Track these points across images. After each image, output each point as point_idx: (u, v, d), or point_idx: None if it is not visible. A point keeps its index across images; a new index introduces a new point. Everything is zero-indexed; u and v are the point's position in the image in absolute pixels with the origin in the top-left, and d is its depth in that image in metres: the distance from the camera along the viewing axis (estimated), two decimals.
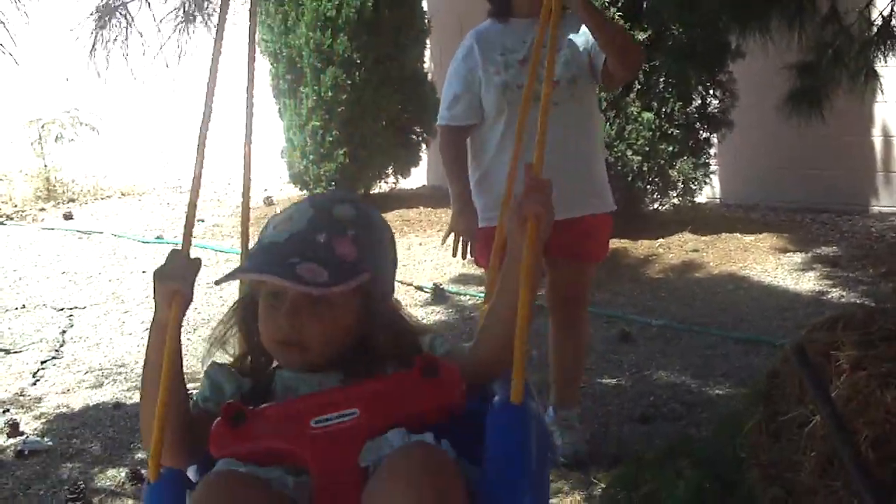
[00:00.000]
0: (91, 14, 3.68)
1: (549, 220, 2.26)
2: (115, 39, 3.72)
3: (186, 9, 3.65)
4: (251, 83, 2.89)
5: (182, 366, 2.35)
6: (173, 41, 3.60)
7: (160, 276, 2.34)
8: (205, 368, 2.44)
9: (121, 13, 3.69)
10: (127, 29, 3.72)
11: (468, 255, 4.76)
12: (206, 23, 3.73)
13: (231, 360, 2.49)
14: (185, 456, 2.31)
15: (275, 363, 2.44)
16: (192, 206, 2.56)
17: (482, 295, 6.24)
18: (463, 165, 4.74)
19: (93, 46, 3.74)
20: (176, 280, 2.32)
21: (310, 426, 2.18)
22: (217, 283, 2.41)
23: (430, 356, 2.27)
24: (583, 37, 4.56)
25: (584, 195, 4.65)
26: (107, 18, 3.62)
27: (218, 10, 2.91)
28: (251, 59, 2.87)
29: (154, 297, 2.36)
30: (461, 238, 4.69)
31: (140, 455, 5.29)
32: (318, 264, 2.24)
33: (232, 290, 7.47)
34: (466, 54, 4.68)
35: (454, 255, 4.76)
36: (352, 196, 2.48)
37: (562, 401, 4.98)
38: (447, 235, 4.75)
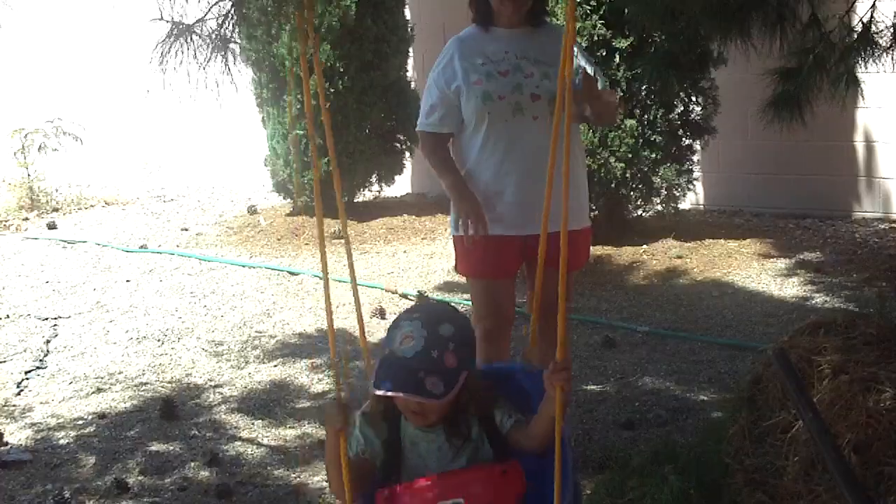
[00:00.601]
0: (167, 35, 3.69)
1: (570, 390, 3.21)
2: (181, 60, 3.75)
3: (224, 31, 3.67)
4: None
5: (352, 470, 3.22)
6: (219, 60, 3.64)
7: (328, 421, 3.28)
8: (356, 419, 3.37)
9: (188, 34, 3.71)
10: (194, 48, 3.73)
11: (480, 232, 4.67)
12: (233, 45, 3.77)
13: (369, 409, 3.39)
14: (357, 494, 3.26)
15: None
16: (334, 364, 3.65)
17: (466, 302, 6.23)
18: (449, 160, 4.76)
19: (163, 68, 3.77)
20: (338, 423, 3.23)
21: None
22: (376, 394, 3.21)
23: (504, 465, 3.26)
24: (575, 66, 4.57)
25: (576, 209, 4.64)
26: (175, 37, 3.65)
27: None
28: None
29: (326, 434, 3.33)
30: (470, 220, 4.63)
31: (124, 464, 5.29)
32: (437, 377, 3.14)
33: (217, 300, 7.43)
34: (446, 64, 4.71)
35: (465, 233, 4.65)
36: (449, 315, 3.33)
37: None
38: (458, 221, 4.67)
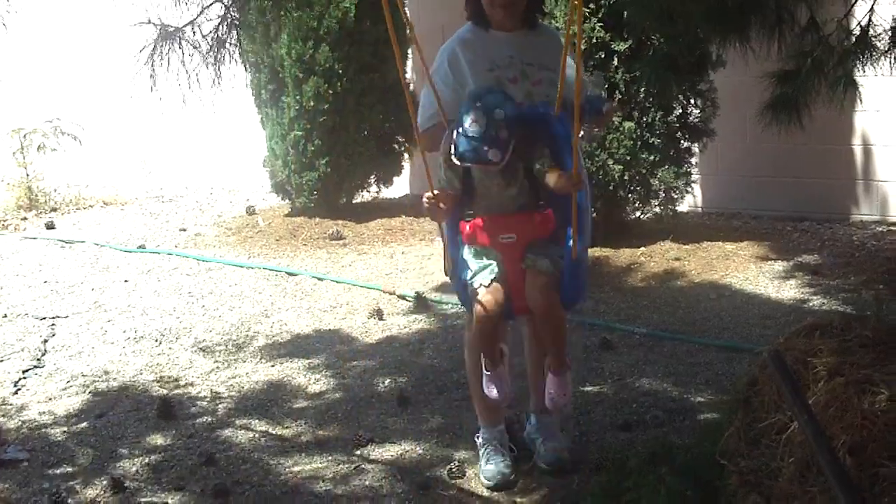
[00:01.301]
0: (150, 41, 3.69)
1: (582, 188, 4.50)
2: (169, 63, 3.75)
3: (220, 34, 3.67)
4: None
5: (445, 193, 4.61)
6: (207, 66, 3.63)
7: (429, 211, 4.72)
8: (440, 166, 4.62)
9: (177, 37, 3.70)
10: (182, 52, 3.73)
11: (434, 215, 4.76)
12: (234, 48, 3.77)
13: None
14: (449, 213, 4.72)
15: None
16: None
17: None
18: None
19: (152, 71, 3.76)
20: (439, 213, 4.72)
21: (499, 238, 4.61)
22: (455, 163, 4.50)
23: (540, 214, 4.64)
24: (569, 70, 4.59)
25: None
26: (163, 42, 3.64)
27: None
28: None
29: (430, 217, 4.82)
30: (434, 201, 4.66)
31: (121, 463, 5.29)
32: (496, 148, 4.37)
33: (215, 300, 7.43)
34: (452, 55, 4.73)
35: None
36: (501, 101, 4.42)
37: (541, 408, 4.97)
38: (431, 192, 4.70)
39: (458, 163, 4.45)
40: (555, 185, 4.51)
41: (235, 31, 3.74)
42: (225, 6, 3.73)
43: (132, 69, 3.93)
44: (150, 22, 3.59)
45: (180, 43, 3.64)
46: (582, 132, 4.66)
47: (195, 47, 3.71)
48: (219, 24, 3.66)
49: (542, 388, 4.88)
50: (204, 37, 3.69)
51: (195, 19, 3.63)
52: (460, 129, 4.40)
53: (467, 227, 4.66)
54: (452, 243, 4.80)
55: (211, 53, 3.71)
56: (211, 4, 3.68)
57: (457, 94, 4.66)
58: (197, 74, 3.76)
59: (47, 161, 12.11)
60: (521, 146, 4.49)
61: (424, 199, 4.65)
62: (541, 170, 4.54)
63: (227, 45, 3.73)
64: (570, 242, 4.57)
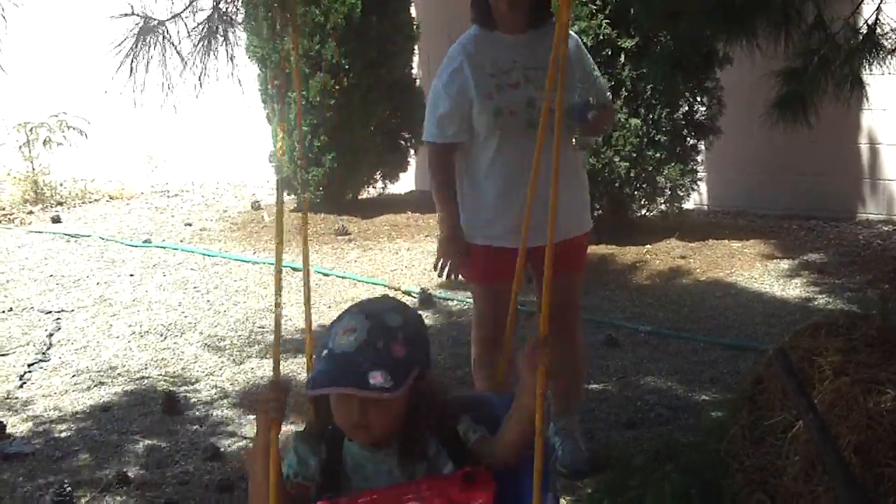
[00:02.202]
0: (129, 33, 3.64)
1: (553, 367, 2.94)
2: (149, 59, 3.69)
3: (211, 26, 3.62)
4: None
5: (282, 481, 2.86)
6: (199, 60, 3.58)
7: (262, 409, 2.90)
8: (291, 444, 2.97)
9: (158, 32, 3.64)
10: (164, 48, 3.67)
11: (453, 278, 4.76)
12: (227, 40, 3.70)
13: (305, 424, 3.03)
14: None
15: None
16: (277, 339, 3.15)
17: (469, 300, 6.23)
18: (452, 188, 4.70)
19: (132, 68, 3.70)
20: (275, 411, 2.87)
21: None
22: (309, 394, 2.87)
23: (468, 471, 2.83)
24: (578, 71, 4.57)
25: (573, 217, 4.66)
26: (145, 38, 3.59)
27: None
28: None
29: (256, 423, 2.96)
30: (449, 263, 4.68)
31: (126, 458, 5.30)
32: (384, 370, 2.76)
33: (220, 295, 7.43)
34: (456, 70, 4.61)
35: (440, 276, 4.76)
36: (395, 304, 3.04)
37: (562, 403, 4.98)
38: (438, 261, 4.73)
39: (312, 393, 2.84)
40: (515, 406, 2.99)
41: (224, 26, 3.68)
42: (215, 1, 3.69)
43: (112, 64, 3.89)
44: (133, 13, 3.54)
45: (163, 38, 3.58)
46: (574, 139, 4.62)
47: (173, 45, 3.66)
48: (209, 16, 3.60)
49: (561, 384, 4.89)
50: (188, 35, 3.63)
51: (181, 13, 3.58)
52: (324, 351, 2.89)
53: None
54: None
55: (198, 50, 3.65)
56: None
57: (457, 104, 4.58)
58: (181, 73, 3.71)
59: (53, 155, 12.11)
60: (436, 413, 2.92)
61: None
62: (470, 436, 2.95)
63: (218, 38, 3.67)
64: None
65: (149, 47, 3.60)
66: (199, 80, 3.65)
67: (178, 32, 3.77)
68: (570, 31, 4.83)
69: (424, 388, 2.89)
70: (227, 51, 3.67)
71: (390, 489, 2.83)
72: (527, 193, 4.46)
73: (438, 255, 4.72)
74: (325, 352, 2.87)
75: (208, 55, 3.72)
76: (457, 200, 4.70)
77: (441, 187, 4.71)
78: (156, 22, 3.56)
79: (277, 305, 3.16)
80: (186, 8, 3.64)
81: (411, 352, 2.85)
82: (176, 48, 3.54)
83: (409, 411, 2.87)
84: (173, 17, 3.60)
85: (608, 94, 4.99)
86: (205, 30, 3.56)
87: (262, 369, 6.43)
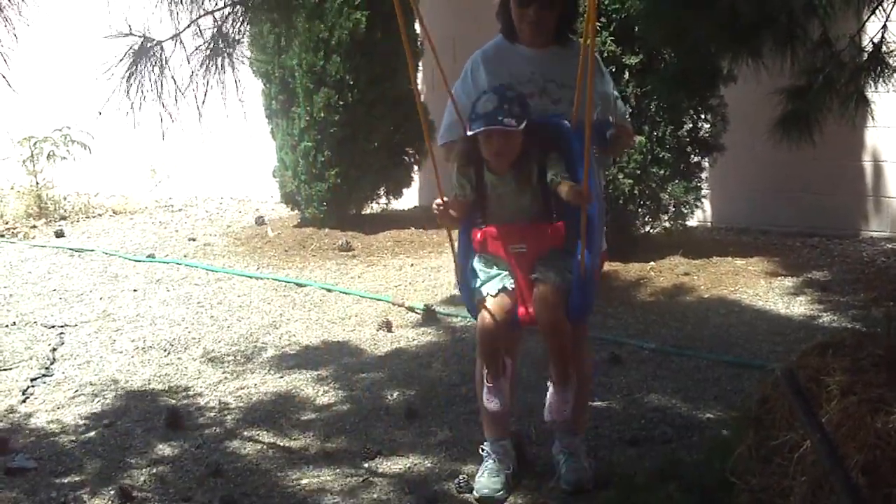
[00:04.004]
0: (125, 54, 3.64)
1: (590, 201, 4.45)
2: (142, 84, 3.69)
3: (214, 46, 3.62)
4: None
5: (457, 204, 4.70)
6: (201, 78, 3.57)
7: (441, 221, 4.83)
8: (455, 169, 4.67)
9: (154, 54, 3.64)
10: (161, 69, 3.67)
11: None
12: (229, 61, 3.71)
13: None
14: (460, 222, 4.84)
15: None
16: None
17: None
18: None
19: (127, 89, 3.71)
20: (449, 223, 4.85)
21: (509, 248, 4.65)
22: (471, 133, 4.54)
23: (551, 226, 4.67)
24: (597, 91, 4.60)
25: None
26: (140, 60, 3.59)
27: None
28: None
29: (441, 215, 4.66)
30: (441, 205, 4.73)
31: (129, 473, 5.29)
32: (511, 117, 4.44)
33: (223, 310, 7.41)
34: (474, 74, 4.74)
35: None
36: (512, 87, 4.55)
37: (566, 429, 4.97)
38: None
39: (471, 133, 4.49)
40: (565, 197, 4.51)
41: (228, 46, 3.68)
42: (216, 20, 3.68)
43: (109, 85, 3.90)
44: (131, 32, 3.54)
45: (160, 59, 3.58)
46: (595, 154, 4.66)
47: (170, 68, 3.66)
48: (212, 35, 3.61)
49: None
50: (188, 60, 3.63)
51: (180, 33, 3.58)
52: (472, 115, 4.50)
53: (478, 236, 4.70)
54: (462, 252, 4.83)
55: (200, 70, 3.65)
56: (199, 18, 3.63)
57: (468, 106, 4.66)
58: (176, 99, 3.71)
59: (57, 169, 12.13)
60: (536, 151, 4.56)
61: (434, 206, 4.69)
62: (554, 180, 4.53)
63: (222, 56, 3.67)
64: (580, 257, 4.56)
65: (147, 70, 3.58)
66: (198, 107, 3.64)
67: (175, 52, 3.75)
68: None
69: (530, 129, 4.51)
70: (231, 70, 3.67)
71: (513, 226, 4.65)
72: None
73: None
74: (473, 114, 4.49)
75: (211, 73, 3.70)
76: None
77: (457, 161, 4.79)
78: (154, 42, 3.54)
79: None
80: (187, 27, 3.63)
81: (523, 109, 4.49)
82: (171, 73, 3.52)
83: (522, 150, 4.55)
84: (172, 36, 3.59)
85: (628, 117, 5.01)
86: (209, 49, 3.55)
87: (265, 385, 6.42)
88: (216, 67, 3.78)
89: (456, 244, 4.86)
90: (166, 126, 3.82)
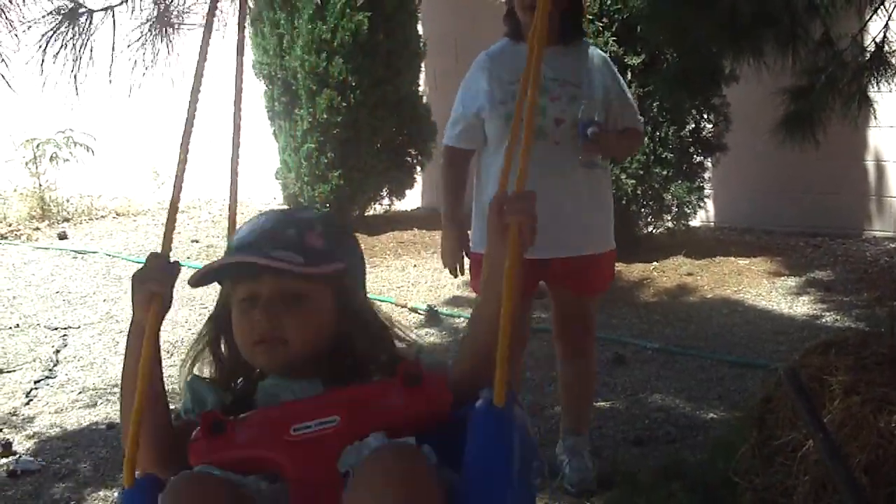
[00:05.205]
0: (46, 16, 3.56)
1: (532, 228, 2.24)
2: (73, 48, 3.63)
3: (154, 23, 3.57)
4: (238, 97, 2.89)
5: (161, 372, 2.40)
6: (137, 52, 3.52)
7: (138, 279, 2.39)
8: (186, 380, 2.50)
9: (83, 21, 3.59)
10: (88, 38, 3.62)
11: (459, 275, 4.78)
12: (173, 36, 3.65)
13: (210, 377, 2.52)
14: (165, 464, 2.33)
15: (256, 374, 2.46)
16: (174, 209, 2.59)
17: None
18: (459, 185, 4.75)
19: (42, 57, 3.64)
20: (154, 283, 2.36)
21: (289, 433, 2.20)
22: (191, 283, 2.44)
23: (414, 364, 2.27)
24: (601, 89, 4.58)
25: (583, 234, 4.66)
26: (67, 25, 3.53)
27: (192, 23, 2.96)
28: (239, 76, 2.87)
29: (132, 301, 2.40)
30: (448, 262, 4.72)
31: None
32: (293, 251, 2.27)
33: None
34: (475, 75, 4.68)
35: (453, 275, 4.79)
36: (313, 207, 2.53)
37: (570, 428, 4.98)
38: (444, 261, 4.77)
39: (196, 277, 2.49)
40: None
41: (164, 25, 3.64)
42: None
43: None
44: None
45: (83, 22, 3.50)
46: (579, 157, 4.62)
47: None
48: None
49: (570, 410, 4.92)
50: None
51: (117, 5, 3.52)
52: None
53: None
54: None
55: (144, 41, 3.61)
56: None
57: (467, 109, 4.67)
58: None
59: (60, 171, 12.13)
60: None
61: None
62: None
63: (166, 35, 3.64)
64: None
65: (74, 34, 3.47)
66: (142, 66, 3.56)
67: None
68: (598, 51, 4.84)
69: (355, 303, 2.38)
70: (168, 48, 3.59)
71: (303, 402, 2.28)
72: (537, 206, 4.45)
73: (442, 254, 4.80)
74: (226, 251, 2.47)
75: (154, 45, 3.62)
76: (459, 200, 4.73)
77: (448, 186, 4.76)
78: (86, 10, 3.46)
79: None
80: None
81: (333, 247, 2.36)
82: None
83: (336, 335, 2.35)
84: (105, 8, 3.52)
85: (639, 120, 4.94)
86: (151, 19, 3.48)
87: None
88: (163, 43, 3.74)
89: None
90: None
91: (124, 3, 3.62)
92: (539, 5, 2.54)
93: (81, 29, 3.62)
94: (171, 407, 2.47)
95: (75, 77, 3.73)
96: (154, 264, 2.43)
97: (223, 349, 2.49)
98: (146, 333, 2.34)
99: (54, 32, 3.60)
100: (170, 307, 2.39)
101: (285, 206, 2.49)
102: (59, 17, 3.53)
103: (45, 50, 3.60)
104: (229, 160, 2.94)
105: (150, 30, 3.60)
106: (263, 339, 2.32)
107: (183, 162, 2.53)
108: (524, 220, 2.21)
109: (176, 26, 3.65)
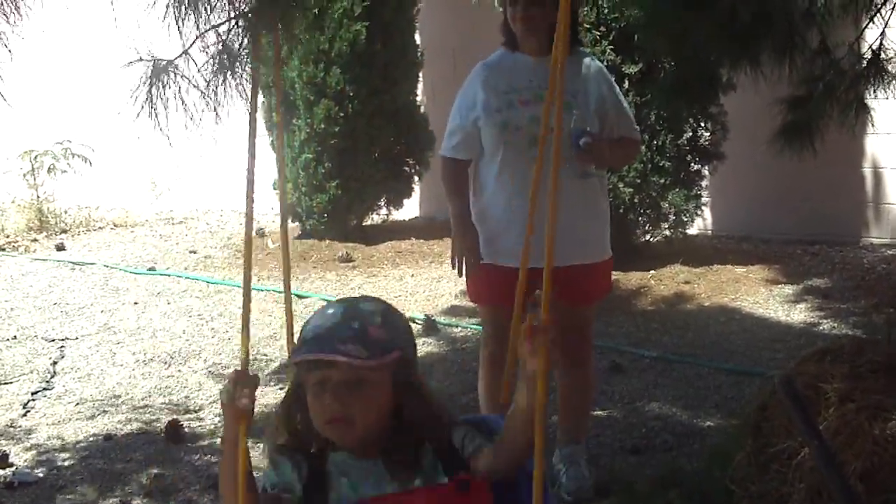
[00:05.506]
0: (142, 78, 3.67)
1: (556, 356, 2.61)
2: (165, 96, 3.71)
3: (221, 61, 3.64)
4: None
5: (253, 476, 2.71)
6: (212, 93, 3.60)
7: (227, 397, 2.69)
8: (268, 450, 2.82)
9: (172, 70, 3.67)
10: (179, 85, 3.70)
11: (470, 269, 4.76)
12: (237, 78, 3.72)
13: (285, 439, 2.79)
14: None
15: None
16: (247, 311, 3.12)
17: (474, 326, 6.22)
18: (462, 189, 4.78)
19: (152, 107, 3.73)
20: (245, 400, 2.68)
21: None
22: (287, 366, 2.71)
23: (463, 478, 2.63)
24: (596, 99, 4.60)
25: (577, 244, 4.65)
26: (159, 77, 3.61)
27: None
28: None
29: (224, 415, 2.75)
30: (464, 258, 4.71)
31: (129, 486, 5.28)
32: (358, 344, 2.60)
33: (224, 322, 7.40)
34: (471, 85, 4.71)
35: (460, 275, 4.78)
36: (374, 299, 2.83)
37: (568, 437, 4.98)
38: (454, 259, 4.77)
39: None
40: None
41: (233, 58, 3.68)
42: (219, 35, 3.70)
43: (133, 107, 3.91)
44: (140, 59, 3.57)
45: (174, 76, 3.61)
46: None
47: (189, 81, 3.68)
48: (217, 53, 3.62)
49: (568, 419, 4.92)
50: (199, 70, 3.66)
51: (188, 48, 3.59)
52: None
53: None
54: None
55: (211, 86, 3.67)
56: (204, 32, 3.64)
57: (464, 118, 4.70)
58: (197, 107, 3.73)
59: (58, 183, 12.14)
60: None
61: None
62: (466, 446, 2.73)
63: (231, 68, 3.68)
64: None
65: (164, 87, 3.62)
66: (216, 110, 3.67)
67: (190, 68, 3.79)
68: (595, 60, 4.85)
69: (410, 382, 2.71)
70: (237, 82, 3.69)
71: (380, 499, 2.65)
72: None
73: (453, 254, 4.80)
74: (298, 338, 2.75)
75: (224, 85, 3.74)
76: (467, 201, 4.76)
77: (451, 190, 4.79)
78: (165, 62, 3.58)
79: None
80: (192, 43, 3.66)
81: (391, 337, 2.67)
82: (192, 82, 3.56)
83: (395, 410, 2.68)
84: (182, 54, 3.62)
85: (635, 129, 4.95)
86: (216, 63, 3.57)
87: (265, 397, 6.40)
88: (229, 82, 3.80)
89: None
90: (181, 140, 3.84)
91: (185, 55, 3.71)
92: (560, 18, 2.73)
93: (174, 77, 3.71)
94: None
95: (189, 115, 3.81)
96: (240, 381, 2.72)
97: (298, 423, 2.75)
98: (241, 446, 2.66)
99: (153, 86, 3.69)
100: (252, 415, 2.70)
101: (347, 297, 2.66)
102: (149, 77, 3.63)
103: (152, 103, 3.69)
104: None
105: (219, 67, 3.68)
106: (334, 419, 2.63)
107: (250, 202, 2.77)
108: (547, 350, 2.56)
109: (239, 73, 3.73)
